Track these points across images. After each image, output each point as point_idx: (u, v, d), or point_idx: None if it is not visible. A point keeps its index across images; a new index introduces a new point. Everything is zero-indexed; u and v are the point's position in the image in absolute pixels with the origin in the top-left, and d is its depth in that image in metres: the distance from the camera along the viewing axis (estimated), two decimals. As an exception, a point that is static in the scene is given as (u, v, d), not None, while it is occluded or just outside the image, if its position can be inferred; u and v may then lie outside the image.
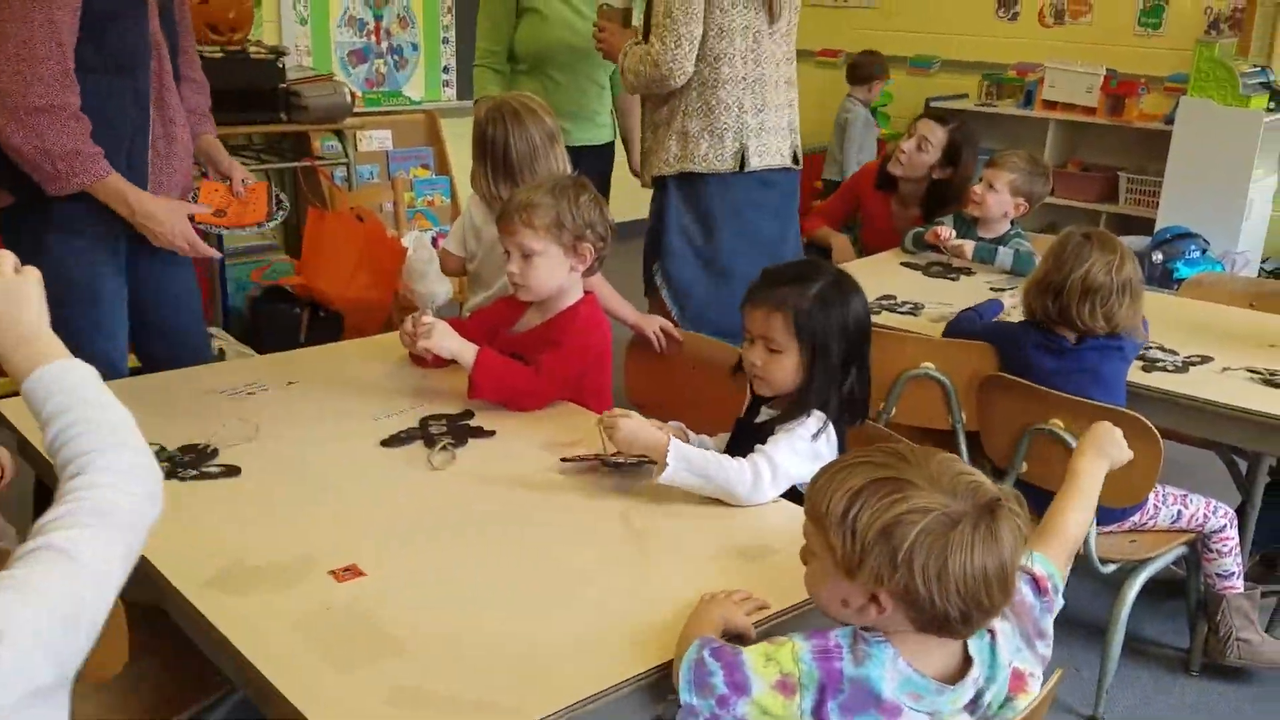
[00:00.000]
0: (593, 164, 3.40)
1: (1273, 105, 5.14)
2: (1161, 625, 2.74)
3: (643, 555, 1.59)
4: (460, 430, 1.98)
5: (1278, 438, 2.30)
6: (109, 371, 1.26)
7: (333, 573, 1.50)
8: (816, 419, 1.83)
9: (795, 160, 3.16)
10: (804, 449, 1.79)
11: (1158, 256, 5.05)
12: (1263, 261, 5.57)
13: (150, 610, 1.56)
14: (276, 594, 1.45)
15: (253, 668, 1.30)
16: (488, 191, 2.57)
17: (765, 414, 1.96)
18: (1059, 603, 1.37)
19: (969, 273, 3.35)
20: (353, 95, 4.56)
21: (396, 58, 5.32)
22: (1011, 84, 6.49)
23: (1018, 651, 1.30)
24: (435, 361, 2.23)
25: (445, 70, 5.59)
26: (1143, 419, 2.21)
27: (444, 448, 1.89)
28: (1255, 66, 5.21)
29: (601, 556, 1.58)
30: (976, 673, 1.24)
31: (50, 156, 2.16)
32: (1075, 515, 1.51)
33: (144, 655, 1.64)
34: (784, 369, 1.85)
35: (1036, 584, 1.36)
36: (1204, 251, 5.04)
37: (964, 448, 2.61)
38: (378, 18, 5.18)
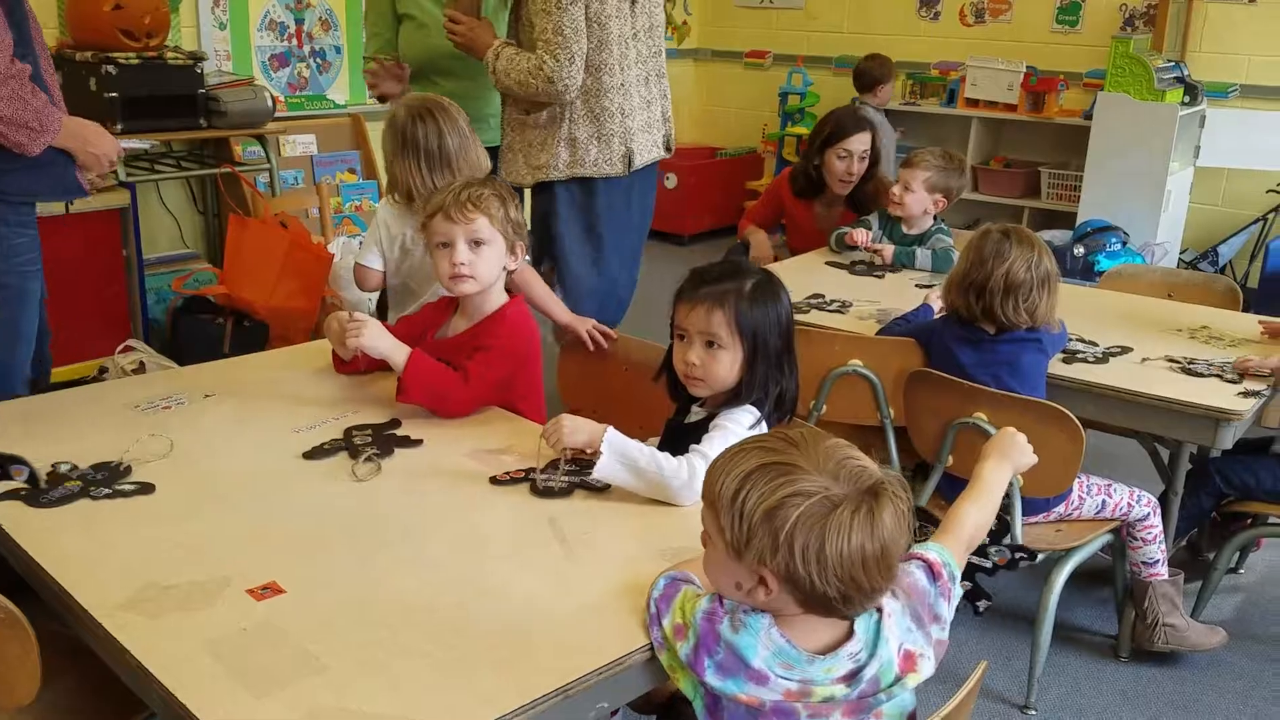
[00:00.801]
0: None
1: (1187, 99, 5.27)
2: (1090, 613, 2.79)
3: (572, 564, 1.57)
4: (386, 440, 1.94)
5: (1197, 425, 2.34)
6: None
7: (250, 591, 1.45)
8: (750, 413, 1.83)
9: (668, 148, 3.34)
10: (735, 437, 1.78)
11: (1079, 250, 5.14)
12: (1181, 252, 5.71)
13: (64, 635, 1.52)
14: (192, 615, 1.40)
15: (167, 691, 1.25)
16: (421, 187, 2.52)
17: (696, 414, 1.95)
18: (957, 591, 1.39)
19: (894, 269, 3.39)
20: (274, 99, 4.47)
21: (319, 61, 5.23)
22: (934, 83, 6.58)
23: (908, 632, 1.32)
24: (361, 364, 2.19)
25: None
26: (1065, 410, 2.25)
27: (368, 459, 1.85)
28: (1169, 61, 5.33)
29: (528, 565, 1.55)
30: (854, 647, 1.28)
31: (33, 111, 2.38)
32: (974, 515, 1.55)
33: (58, 682, 1.59)
34: (724, 366, 1.84)
35: (931, 569, 1.37)
36: (1124, 244, 5.15)
37: (893, 443, 2.63)
38: (299, 21, 5.09)
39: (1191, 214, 5.77)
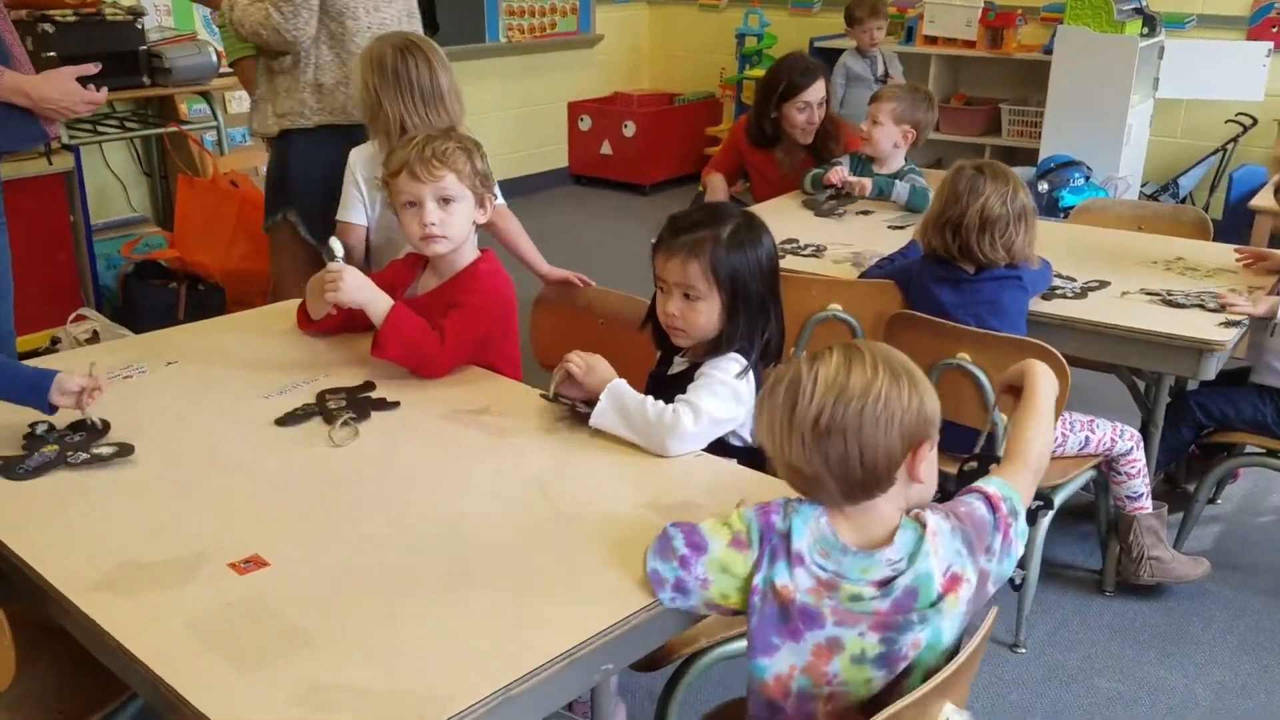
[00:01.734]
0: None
1: (1145, 30, 5.24)
2: (1073, 549, 2.79)
3: (562, 523, 1.52)
4: (361, 403, 1.87)
5: (1181, 357, 2.33)
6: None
7: (232, 565, 1.39)
8: (736, 361, 1.79)
9: None
10: (725, 391, 1.76)
11: (1043, 186, 5.12)
12: (1142, 185, 5.71)
13: (36, 617, 1.45)
14: (172, 592, 1.34)
15: (152, 673, 1.20)
16: (421, 125, 2.40)
17: (679, 364, 1.90)
18: (1021, 527, 1.35)
19: (867, 212, 3.34)
20: (218, 54, 4.31)
21: (263, 14, 5.05)
22: (892, 20, 6.49)
23: (956, 555, 1.30)
24: (329, 324, 2.11)
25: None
26: (1049, 347, 2.21)
27: (345, 423, 1.78)
28: (1128, -7, 5.29)
29: (518, 529, 1.50)
30: (893, 555, 1.29)
31: None
32: (1038, 438, 1.45)
33: (32, 667, 1.52)
34: (705, 315, 1.81)
35: (990, 501, 1.34)
36: (1087, 178, 5.14)
37: (875, 387, 2.59)
38: (240, -28, 4.90)
39: (1151, 146, 5.76)
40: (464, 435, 1.77)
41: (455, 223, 2.03)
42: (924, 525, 1.29)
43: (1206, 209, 5.56)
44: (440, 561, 1.41)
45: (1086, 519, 2.81)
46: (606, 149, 6.86)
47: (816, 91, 3.60)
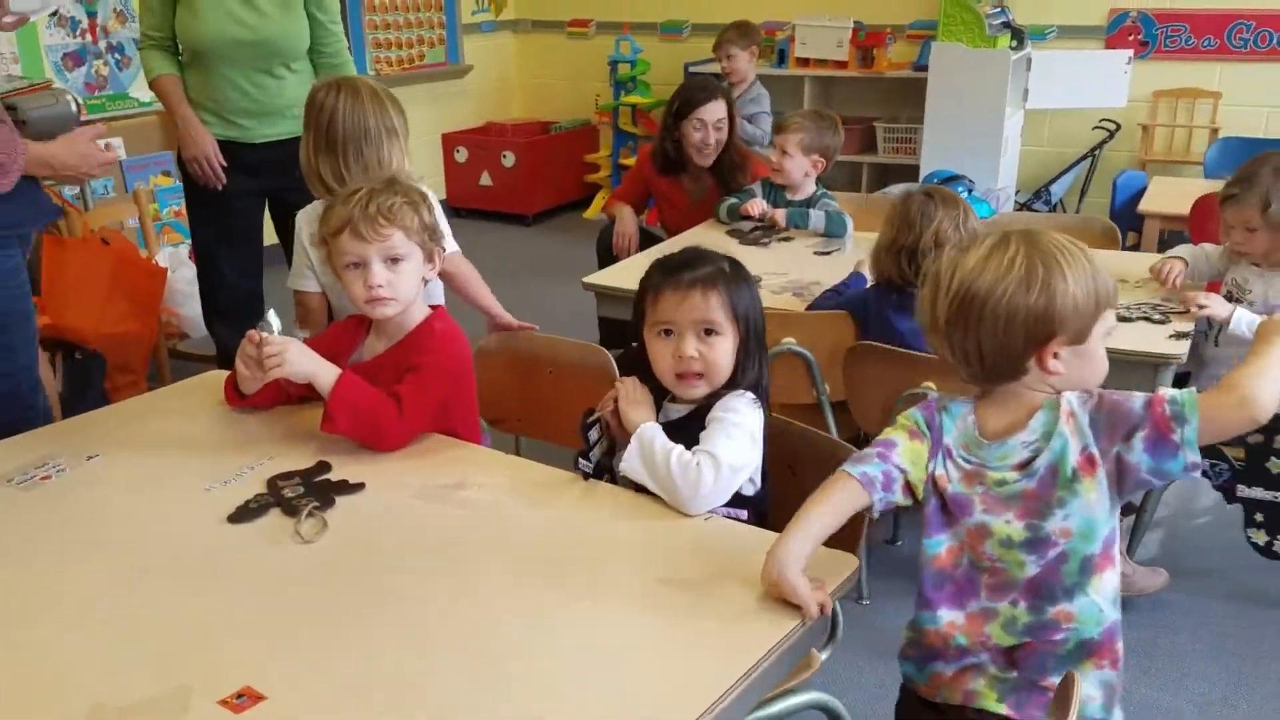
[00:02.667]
0: (281, 159, 3.05)
1: (1014, 43, 5.39)
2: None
3: (583, 613, 1.37)
4: (321, 488, 1.69)
5: (1134, 372, 2.33)
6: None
7: (224, 702, 1.20)
8: (746, 397, 1.69)
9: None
10: (742, 435, 1.65)
11: (930, 200, 5.20)
12: (1015, 194, 5.87)
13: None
14: (156, 743, 1.15)
15: None
16: (350, 175, 2.25)
17: (679, 409, 1.76)
18: (1189, 435, 1.32)
19: (789, 239, 3.30)
20: (78, 104, 3.99)
21: (118, 56, 4.73)
22: (764, 44, 6.53)
23: (1092, 436, 1.37)
24: (263, 398, 1.92)
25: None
26: (1018, 372, 2.19)
27: (310, 514, 1.60)
28: (996, 7, 5.43)
29: (538, 617, 1.35)
30: (1028, 436, 1.40)
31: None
32: (1252, 369, 1.37)
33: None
34: (725, 354, 1.70)
35: (1150, 400, 1.36)
36: (970, 191, 5.24)
37: (831, 419, 2.53)
38: (91, 15, 4.58)
39: (1023, 156, 5.94)
40: (448, 516, 1.61)
41: (404, 282, 1.87)
42: (1057, 405, 1.38)
43: (1078, 214, 5.75)
44: (465, 666, 1.25)
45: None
46: (486, 180, 6.71)
47: (712, 111, 3.55)
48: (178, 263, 4.15)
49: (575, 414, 2.22)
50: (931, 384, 2.26)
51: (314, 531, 1.56)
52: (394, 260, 1.84)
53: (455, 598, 1.40)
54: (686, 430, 1.69)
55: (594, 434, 1.73)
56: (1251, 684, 2.33)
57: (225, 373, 2.01)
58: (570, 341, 2.27)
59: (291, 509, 1.62)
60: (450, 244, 2.27)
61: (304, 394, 1.97)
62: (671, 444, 1.62)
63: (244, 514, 1.61)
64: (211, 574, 1.47)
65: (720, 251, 1.81)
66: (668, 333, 1.71)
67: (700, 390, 1.72)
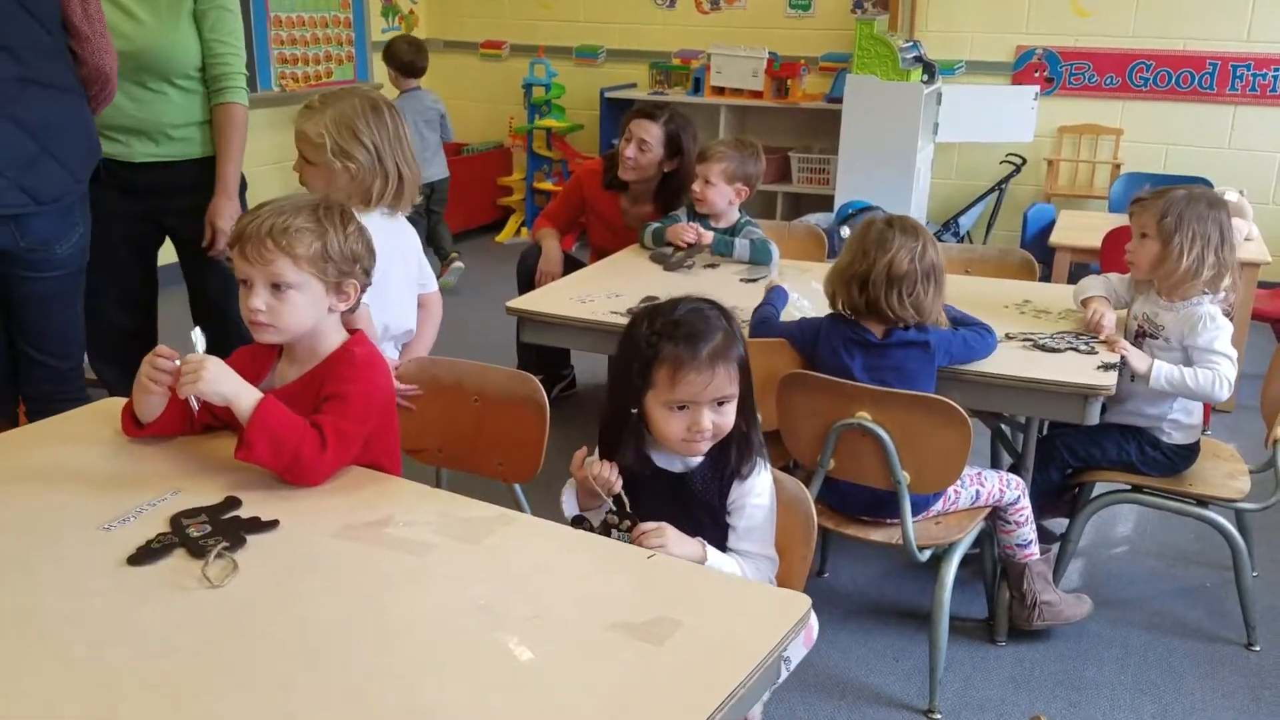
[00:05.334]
0: (168, 182, 2.94)
1: (925, 77, 5.47)
2: (956, 600, 2.74)
3: (531, 664, 1.27)
4: (230, 526, 1.56)
5: (1064, 403, 2.34)
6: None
7: (125, 770, 1.08)
8: (761, 470, 1.72)
9: None
10: (768, 507, 1.73)
11: (845, 231, 5.23)
12: (925, 225, 5.95)
13: None
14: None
15: None
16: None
17: (683, 463, 1.75)
18: None
19: (714, 266, 3.25)
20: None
21: None
22: (679, 71, 6.54)
23: None
24: (166, 426, 1.78)
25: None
26: (952, 404, 2.16)
27: (218, 555, 1.47)
28: (907, 41, 5.52)
29: (481, 671, 1.24)
30: None
31: None
32: None
33: None
34: (734, 416, 1.70)
35: None
36: (885, 222, 5.28)
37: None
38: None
39: (932, 188, 6.03)
40: (373, 556, 1.49)
41: (289, 313, 1.73)
42: None
43: (985, 244, 5.85)
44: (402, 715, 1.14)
45: (962, 566, 2.77)
46: (394, 203, 6.54)
47: (640, 128, 3.52)
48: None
49: (502, 444, 2.14)
50: (866, 414, 2.22)
51: (223, 575, 1.43)
52: (277, 287, 1.73)
53: (381, 650, 1.29)
54: (690, 487, 1.73)
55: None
56: (1175, 716, 2.33)
57: (122, 400, 1.86)
58: (497, 369, 2.17)
59: (198, 549, 1.48)
60: (430, 283, 2.28)
61: (209, 423, 1.84)
62: (729, 560, 1.68)
63: (145, 555, 1.47)
64: (112, 623, 1.33)
65: (680, 293, 1.81)
66: (682, 408, 1.67)
67: (706, 449, 1.72)
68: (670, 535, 1.63)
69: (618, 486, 1.69)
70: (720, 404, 1.68)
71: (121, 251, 3.01)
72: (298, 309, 1.74)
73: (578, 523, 1.75)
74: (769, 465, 1.76)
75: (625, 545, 1.60)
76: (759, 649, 1.30)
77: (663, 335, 1.68)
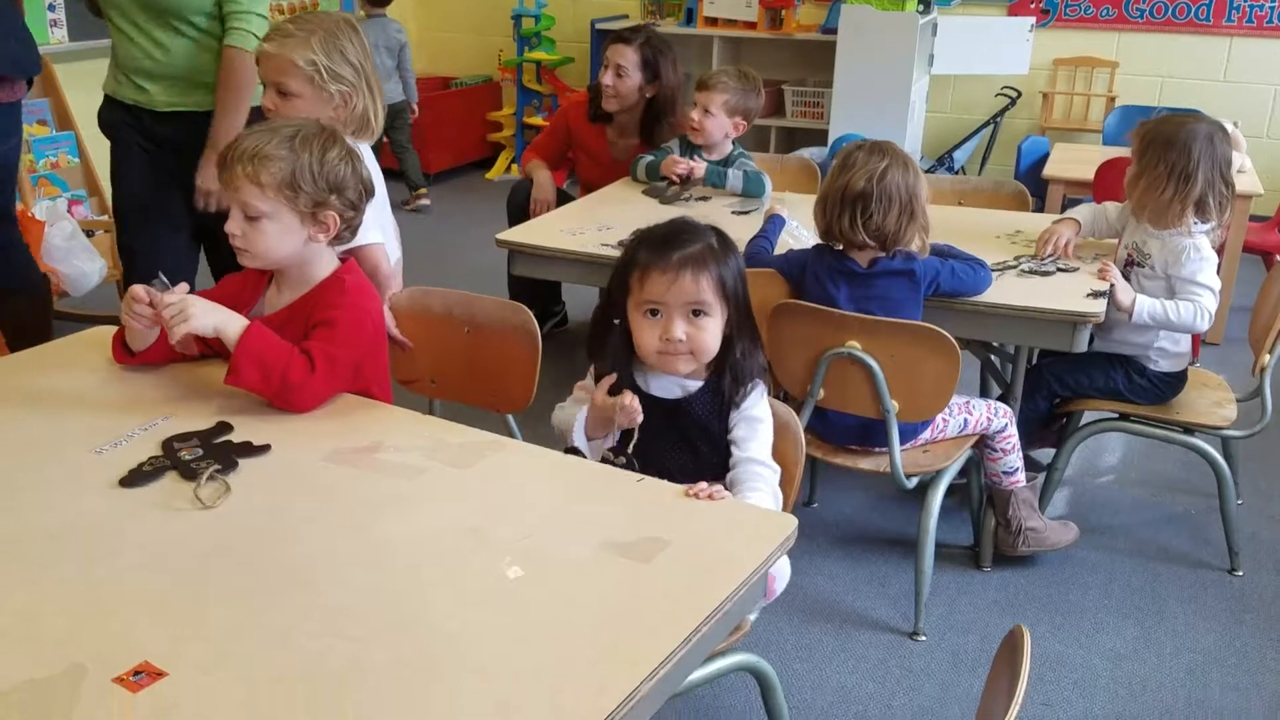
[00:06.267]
0: (191, 134, 2.81)
1: (921, 8, 5.40)
2: (943, 527, 2.78)
3: (517, 582, 1.29)
4: (221, 450, 1.57)
5: (1053, 331, 2.35)
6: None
7: (119, 680, 1.09)
8: (760, 389, 1.72)
9: None
10: (768, 428, 1.72)
11: (838, 163, 5.19)
12: (920, 159, 5.92)
13: None
14: (46, 728, 1.04)
15: None
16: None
17: (683, 388, 1.74)
18: None
19: (706, 199, 3.24)
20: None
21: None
22: (672, 2, 6.45)
23: None
24: (155, 354, 1.79)
25: (51, 8, 4.76)
26: (941, 331, 2.17)
27: (210, 477, 1.48)
28: (903, -28, 5.43)
29: (468, 590, 1.26)
30: None
31: None
32: None
33: None
34: (713, 334, 1.68)
35: None
36: (878, 155, 5.25)
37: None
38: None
39: (927, 122, 5.99)
40: (363, 480, 1.51)
41: (260, 241, 1.72)
42: None
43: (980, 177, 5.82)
44: (388, 646, 1.15)
45: (948, 495, 2.80)
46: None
47: (614, 53, 3.48)
48: (56, 216, 3.91)
49: (494, 374, 2.14)
50: (855, 343, 2.23)
51: (215, 496, 1.45)
52: (251, 217, 1.71)
53: (371, 569, 1.31)
54: (689, 413, 1.72)
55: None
56: (1159, 638, 2.38)
57: (112, 328, 1.86)
58: (489, 299, 2.17)
59: (190, 472, 1.50)
60: (371, 235, 2.13)
61: (201, 350, 1.85)
62: (755, 491, 1.65)
63: (137, 477, 1.49)
64: (104, 542, 1.35)
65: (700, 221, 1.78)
66: (654, 312, 1.67)
67: (685, 367, 1.71)
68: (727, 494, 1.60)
69: (638, 420, 1.67)
70: (696, 314, 1.67)
71: (161, 197, 2.87)
72: (268, 237, 1.73)
73: (571, 452, 1.76)
74: (768, 389, 1.76)
75: (615, 470, 1.62)
76: (745, 567, 1.32)
77: (641, 241, 1.71)
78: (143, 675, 1.10)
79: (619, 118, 3.58)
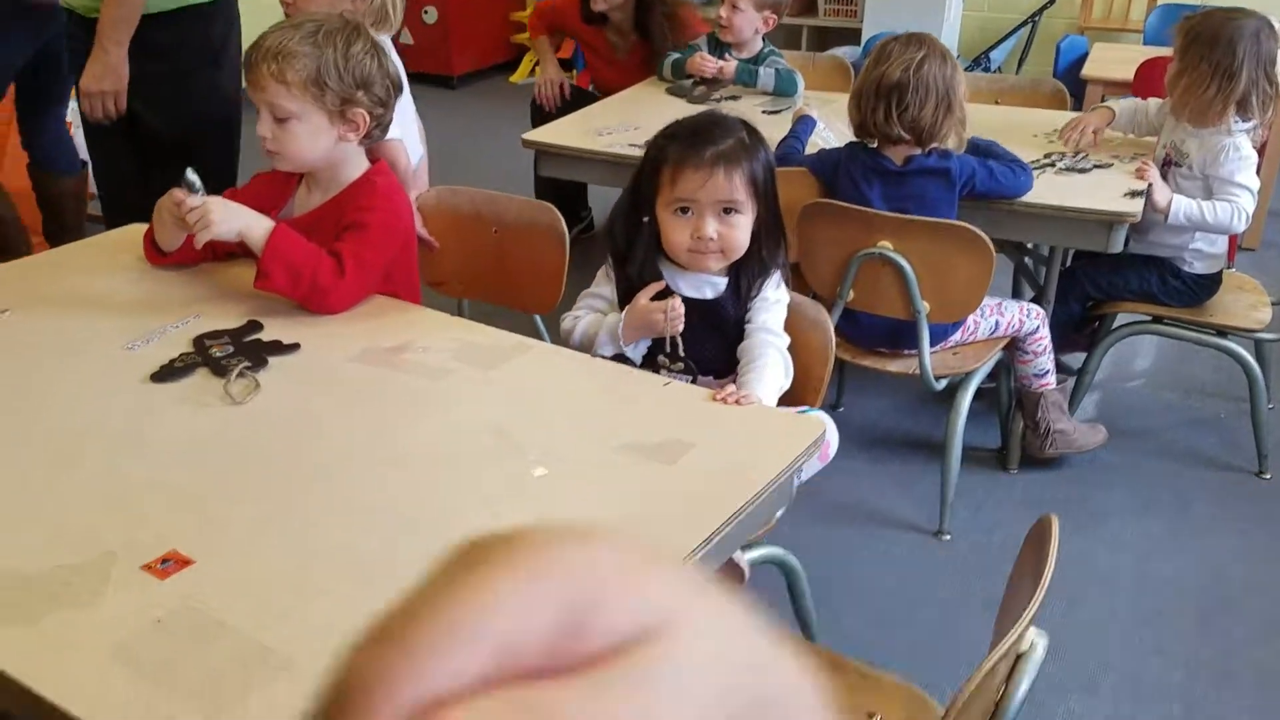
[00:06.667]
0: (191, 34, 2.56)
1: (961, -99, 5.22)
2: (969, 431, 2.78)
3: (542, 481, 1.30)
4: (252, 348, 1.58)
5: (1089, 231, 2.31)
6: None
7: (147, 567, 1.12)
8: (776, 276, 1.71)
9: None
10: (782, 306, 1.73)
11: (872, 64, 5.07)
12: (957, 59, 5.76)
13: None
14: (82, 611, 1.06)
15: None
16: None
17: (712, 288, 1.73)
18: None
19: (735, 98, 3.17)
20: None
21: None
22: (701, -106, 6.24)
23: None
24: (187, 255, 1.79)
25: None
26: (976, 230, 2.14)
27: (240, 374, 1.50)
28: None
29: (493, 491, 1.28)
30: None
31: None
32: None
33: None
34: (744, 231, 1.67)
35: None
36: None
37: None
38: None
39: (965, 21, 5.82)
40: (390, 380, 1.52)
41: (290, 142, 1.70)
42: None
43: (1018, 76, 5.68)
44: (412, 543, 1.17)
45: (976, 399, 2.80)
46: (406, 38, 6.38)
47: None
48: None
49: (524, 275, 2.14)
50: (887, 243, 2.20)
51: (245, 393, 1.46)
52: (279, 119, 1.69)
53: (396, 465, 1.32)
54: (717, 311, 1.70)
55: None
56: (1184, 539, 2.38)
57: (143, 226, 1.87)
58: (517, 199, 2.16)
59: (220, 369, 1.51)
60: (390, 131, 2.01)
61: (231, 250, 1.85)
62: (766, 363, 1.65)
63: (169, 373, 1.50)
64: (134, 436, 1.37)
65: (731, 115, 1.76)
66: (684, 210, 1.65)
67: (715, 264, 1.70)
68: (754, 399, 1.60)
69: (681, 327, 1.68)
70: (727, 212, 1.66)
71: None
72: (299, 139, 1.71)
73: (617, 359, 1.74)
74: (787, 283, 1.76)
75: (640, 372, 1.62)
76: (770, 469, 1.31)
77: (671, 136, 1.68)
78: (170, 563, 1.13)
79: (612, 17, 3.49)
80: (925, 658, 1.99)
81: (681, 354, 1.71)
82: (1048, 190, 2.36)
